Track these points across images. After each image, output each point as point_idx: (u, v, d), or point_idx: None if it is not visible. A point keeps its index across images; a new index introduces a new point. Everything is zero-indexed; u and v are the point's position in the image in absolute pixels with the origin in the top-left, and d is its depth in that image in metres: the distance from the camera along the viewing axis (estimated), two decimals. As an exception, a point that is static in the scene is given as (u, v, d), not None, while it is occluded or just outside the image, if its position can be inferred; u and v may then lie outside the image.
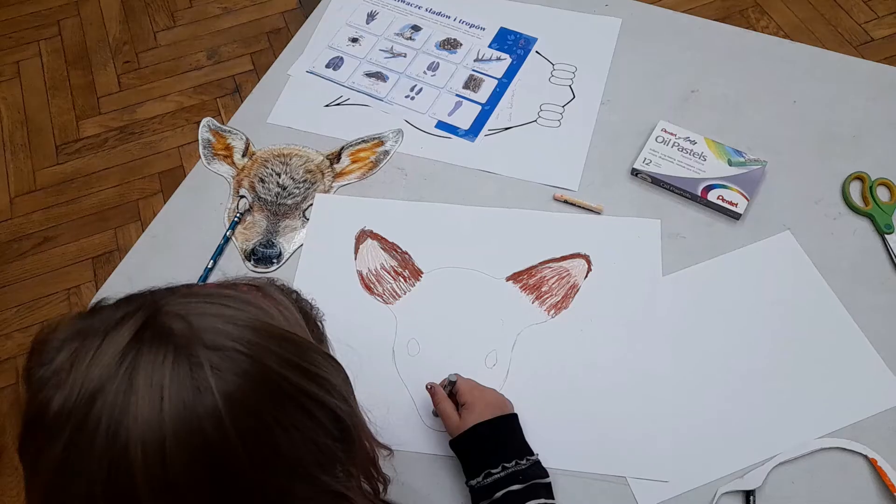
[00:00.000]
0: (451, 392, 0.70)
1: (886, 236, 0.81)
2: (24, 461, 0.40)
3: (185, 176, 0.91)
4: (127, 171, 1.64)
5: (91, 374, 0.37)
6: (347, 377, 0.46)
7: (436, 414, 0.71)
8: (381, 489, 0.53)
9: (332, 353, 0.48)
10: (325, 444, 0.43)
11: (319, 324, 0.50)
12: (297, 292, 0.50)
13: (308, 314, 0.49)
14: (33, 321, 1.43)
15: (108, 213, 1.58)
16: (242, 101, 0.97)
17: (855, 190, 0.85)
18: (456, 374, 0.71)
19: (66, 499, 0.38)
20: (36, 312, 1.44)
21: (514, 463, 0.64)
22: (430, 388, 0.71)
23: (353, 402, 0.46)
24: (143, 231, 0.87)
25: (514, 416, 0.68)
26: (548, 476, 0.65)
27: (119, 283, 0.82)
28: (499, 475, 0.63)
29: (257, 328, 0.41)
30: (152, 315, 0.39)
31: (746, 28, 1.62)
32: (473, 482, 0.64)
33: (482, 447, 0.66)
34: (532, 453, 0.66)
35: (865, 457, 0.69)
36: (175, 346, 0.38)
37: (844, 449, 0.69)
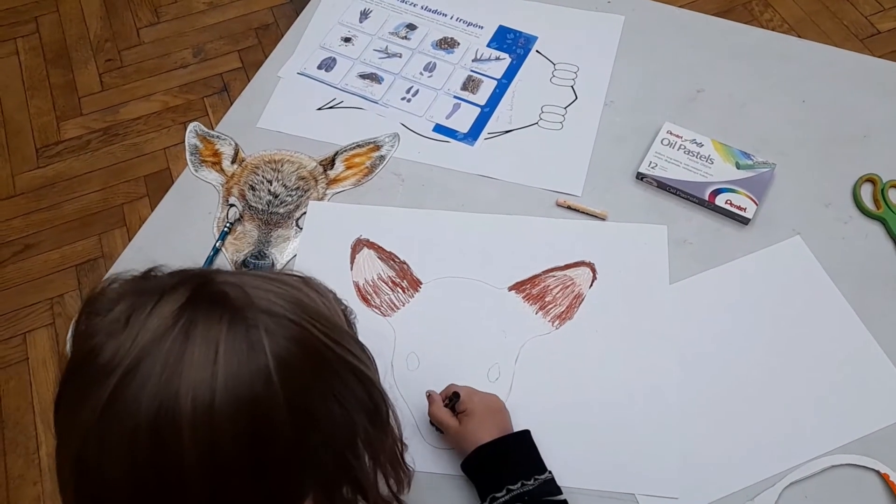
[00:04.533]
0: (452, 405, 0.68)
1: (899, 241, 0.79)
2: (63, 410, 0.40)
3: (172, 178, 0.87)
4: (111, 175, 1.59)
5: (148, 326, 0.38)
6: (378, 368, 0.48)
7: (434, 426, 0.68)
8: (404, 485, 0.54)
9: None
10: (360, 422, 0.44)
11: (353, 325, 0.51)
12: (333, 293, 0.50)
13: (344, 312, 0.50)
14: (14, 332, 1.38)
15: (92, 218, 1.52)
16: (231, 101, 0.94)
17: (866, 192, 0.83)
18: (453, 385, 0.69)
19: (108, 444, 0.37)
20: (17, 324, 1.39)
21: (519, 484, 0.61)
22: (429, 396, 0.69)
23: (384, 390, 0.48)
24: (129, 237, 0.83)
25: (525, 433, 0.66)
26: (560, 493, 0.63)
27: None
28: (503, 499, 0.61)
29: (306, 307, 0.43)
30: (207, 282, 0.41)
31: (750, 21, 1.61)
32: None
33: (487, 469, 0.64)
34: (543, 471, 0.63)
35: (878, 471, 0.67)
36: (232, 308, 0.40)
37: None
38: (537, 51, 0.95)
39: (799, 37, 1.67)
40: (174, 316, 0.39)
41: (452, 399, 0.68)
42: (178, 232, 0.82)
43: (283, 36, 0.99)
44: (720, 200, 0.81)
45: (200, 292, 0.40)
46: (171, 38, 1.83)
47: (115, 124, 1.67)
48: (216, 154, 0.88)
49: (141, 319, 0.39)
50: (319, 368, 0.42)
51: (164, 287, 0.41)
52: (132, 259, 0.81)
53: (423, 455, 0.69)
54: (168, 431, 0.37)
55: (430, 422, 0.69)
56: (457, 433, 0.65)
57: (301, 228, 0.82)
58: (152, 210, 0.86)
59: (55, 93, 1.72)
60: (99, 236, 1.50)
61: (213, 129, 0.90)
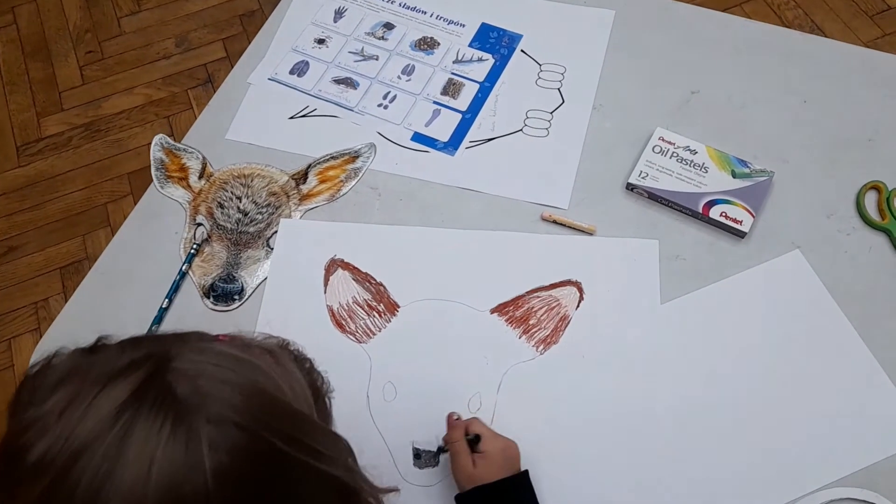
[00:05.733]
0: (470, 441, 0.64)
1: (906, 255, 0.74)
2: None
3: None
4: (94, 173, 1.55)
5: (81, 428, 0.35)
6: (351, 449, 0.46)
7: (438, 448, 0.65)
8: None
9: (335, 429, 0.47)
10: None
11: (327, 400, 0.48)
12: (310, 361, 0.48)
13: (317, 389, 0.48)
14: (0, 338, 1.36)
15: (76, 218, 1.49)
16: (215, 91, 0.89)
17: (870, 202, 0.78)
18: (476, 420, 0.65)
19: None
20: (2, 329, 1.37)
21: None
22: (455, 420, 0.65)
23: (357, 469, 0.45)
24: (113, 237, 0.80)
25: (524, 474, 0.63)
26: None
27: (64, 333, 0.75)
28: None
29: (264, 402, 0.40)
30: (159, 370, 0.38)
31: (755, -1, 1.53)
32: None
33: None
34: None
35: (881, 505, 0.64)
36: (175, 414, 0.36)
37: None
38: (522, 50, 0.89)
39: (806, 14, 1.59)
40: (112, 418, 0.36)
41: (474, 441, 0.64)
42: (143, 255, 0.79)
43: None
44: (715, 213, 0.77)
45: (147, 386, 0.37)
46: (153, 27, 1.76)
47: (97, 119, 1.62)
48: (183, 169, 0.84)
49: (74, 419, 0.36)
50: (271, 477, 0.39)
51: (109, 372, 0.37)
52: (96, 284, 0.78)
53: (402, 495, 0.66)
54: None
55: (441, 447, 0.65)
56: (470, 476, 0.62)
57: (272, 249, 0.78)
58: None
59: (35, 87, 1.67)
60: (83, 237, 1.47)
61: (196, 118, 0.86)
